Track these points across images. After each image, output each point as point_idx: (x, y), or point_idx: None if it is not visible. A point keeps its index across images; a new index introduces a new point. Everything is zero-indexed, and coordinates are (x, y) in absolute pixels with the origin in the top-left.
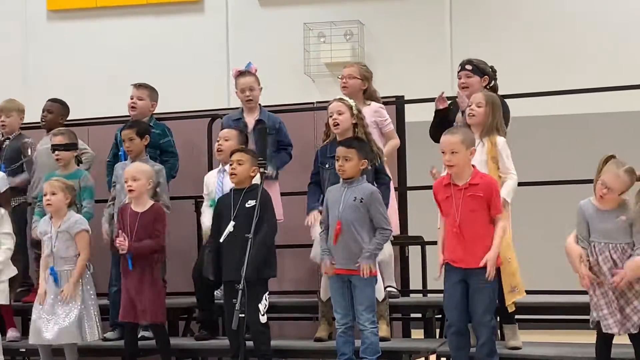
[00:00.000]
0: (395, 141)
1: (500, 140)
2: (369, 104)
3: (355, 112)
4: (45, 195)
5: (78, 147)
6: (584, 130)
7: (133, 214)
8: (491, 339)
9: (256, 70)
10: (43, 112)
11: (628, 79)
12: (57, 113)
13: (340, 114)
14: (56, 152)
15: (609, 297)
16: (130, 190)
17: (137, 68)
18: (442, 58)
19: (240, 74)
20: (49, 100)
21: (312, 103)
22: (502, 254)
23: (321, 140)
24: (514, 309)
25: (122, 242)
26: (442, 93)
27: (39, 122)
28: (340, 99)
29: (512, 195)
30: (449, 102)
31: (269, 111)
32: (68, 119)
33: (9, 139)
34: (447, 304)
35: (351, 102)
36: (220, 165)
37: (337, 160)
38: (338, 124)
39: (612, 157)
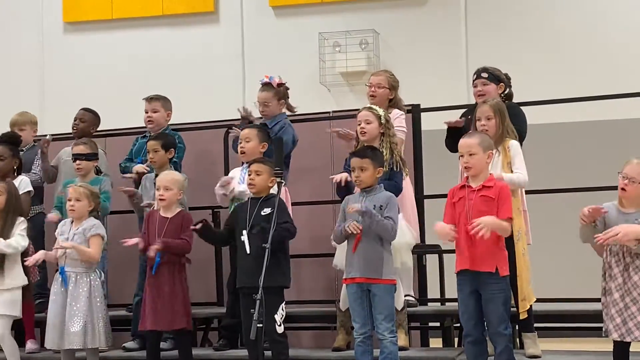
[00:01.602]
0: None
1: (513, 143)
2: (390, 112)
3: (383, 121)
4: (69, 200)
5: (98, 157)
6: (601, 137)
7: (162, 220)
8: (508, 347)
9: (279, 84)
10: (75, 120)
11: None
12: (89, 122)
13: (368, 123)
14: (77, 162)
15: (615, 302)
16: (161, 199)
17: (152, 79)
18: (457, 66)
19: (261, 85)
20: (81, 109)
21: (328, 112)
22: (518, 262)
23: (347, 148)
24: (526, 316)
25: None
26: (462, 121)
27: (54, 134)
28: (370, 108)
29: (512, 183)
30: (464, 109)
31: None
32: None
33: (22, 150)
34: (462, 314)
35: (380, 111)
36: (244, 164)
37: (353, 171)
38: (365, 132)
39: None
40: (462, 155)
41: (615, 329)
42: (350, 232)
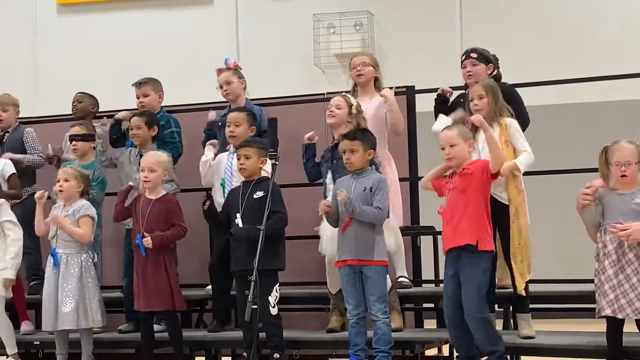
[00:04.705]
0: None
1: (510, 121)
2: (375, 97)
3: (354, 111)
4: (58, 181)
5: (95, 139)
6: (594, 118)
7: (146, 201)
8: (486, 330)
9: (236, 65)
10: (73, 103)
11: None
12: (87, 102)
13: (338, 108)
14: (73, 142)
15: (609, 278)
16: (146, 181)
17: (146, 61)
18: (452, 48)
19: (219, 72)
20: (78, 92)
21: (323, 94)
22: (513, 241)
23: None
24: (525, 293)
25: (148, 240)
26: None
27: (47, 116)
28: (344, 95)
29: (524, 165)
30: (458, 94)
31: (279, 103)
32: None
33: (7, 132)
34: (444, 296)
35: (353, 101)
36: (232, 147)
37: (344, 153)
38: (333, 116)
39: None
40: (443, 148)
41: (608, 305)
42: (320, 212)
